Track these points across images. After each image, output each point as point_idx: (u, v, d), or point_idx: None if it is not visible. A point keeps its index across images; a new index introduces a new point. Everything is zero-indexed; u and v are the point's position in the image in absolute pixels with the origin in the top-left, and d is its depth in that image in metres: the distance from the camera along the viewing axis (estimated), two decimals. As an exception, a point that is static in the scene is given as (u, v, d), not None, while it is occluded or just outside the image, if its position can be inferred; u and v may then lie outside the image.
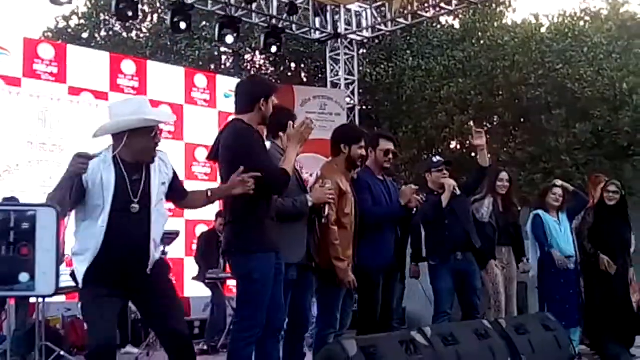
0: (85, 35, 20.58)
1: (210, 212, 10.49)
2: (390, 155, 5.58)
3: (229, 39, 12.25)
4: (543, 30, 18.49)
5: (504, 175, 6.91)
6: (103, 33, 20.82)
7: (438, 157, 6.57)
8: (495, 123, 17.46)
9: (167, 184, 4.02)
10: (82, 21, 21.00)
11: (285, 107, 5.04)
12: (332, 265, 4.90)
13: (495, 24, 19.04)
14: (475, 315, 6.10)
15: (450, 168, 6.28)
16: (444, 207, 6.03)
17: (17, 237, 2.90)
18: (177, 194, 4.17)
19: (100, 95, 10.22)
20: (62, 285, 6.67)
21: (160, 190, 3.97)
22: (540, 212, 6.97)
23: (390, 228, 5.51)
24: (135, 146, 3.84)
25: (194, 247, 10.22)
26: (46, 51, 9.92)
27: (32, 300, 6.91)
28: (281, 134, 4.61)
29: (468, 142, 17.60)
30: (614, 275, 6.70)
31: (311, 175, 5.49)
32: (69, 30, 20.84)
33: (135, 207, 3.82)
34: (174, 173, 4.13)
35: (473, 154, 17.57)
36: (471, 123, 6.37)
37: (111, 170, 3.80)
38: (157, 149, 3.95)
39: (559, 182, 7.21)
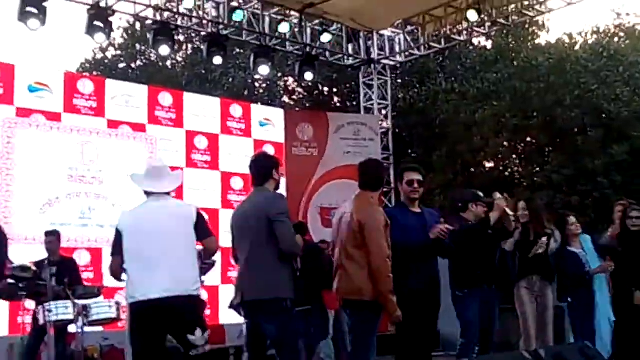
0: (122, 65, 20.97)
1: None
2: (416, 185, 5.58)
3: (264, 70, 12.41)
4: (577, 48, 18.35)
5: (520, 204, 6.75)
6: (139, 63, 21.20)
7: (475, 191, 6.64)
8: (530, 145, 17.31)
9: None
10: (118, 52, 21.41)
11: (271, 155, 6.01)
12: (379, 298, 4.96)
13: (529, 45, 18.96)
14: (492, 339, 6.17)
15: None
16: (492, 224, 6.06)
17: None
18: None
19: (138, 128, 10.42)
20: (102, 317, 6.87)
21: None
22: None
23: (420, 258, 5.50)
24: None
25: (229, 274, 10.31)
26: (85, 86, 10.17)
27: (71, 329, 7.06)
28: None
29: (503, 163, 17.52)
30: None
31: (344, 201, 5.57)
32: (106, 61, 21.25)
33: None
34: None
35: (507, 174, 17.49)
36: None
37: None
38: None
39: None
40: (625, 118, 15.14)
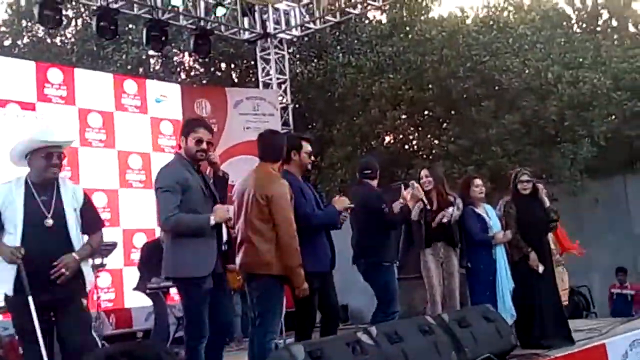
0: (7, 43, 19.99)
1: (148, 221, 10.39)
2: (312, 157, 5.70)
3: (157, 45, 12.15)
4: (469, 22, 18.80)
5: (423, 172, 7.04)
6: (26, 40, 20.24)
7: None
8: (426, 117, 17.63)
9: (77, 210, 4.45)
10: (3, 28, 20.40)
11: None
12: (287, 272, 4.94)
13: (422, 18, 19.25)
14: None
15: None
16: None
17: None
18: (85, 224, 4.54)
19: (27, 106, 9.95)
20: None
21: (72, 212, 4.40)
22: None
23: (326, 233, 5.58)
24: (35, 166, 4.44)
25: (132, 256, 10.07)
26: (-32, 62, 9.60)
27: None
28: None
29: (401, 136, 17.80)
30: (543, 273, 6.90)
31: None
32: (-10, 38, 20.21)
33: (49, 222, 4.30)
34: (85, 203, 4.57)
35: (406, 146, 17.80)
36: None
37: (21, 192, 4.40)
38: (55, 169, 4.44)
39: None
40: (515, 88, 15.62)
